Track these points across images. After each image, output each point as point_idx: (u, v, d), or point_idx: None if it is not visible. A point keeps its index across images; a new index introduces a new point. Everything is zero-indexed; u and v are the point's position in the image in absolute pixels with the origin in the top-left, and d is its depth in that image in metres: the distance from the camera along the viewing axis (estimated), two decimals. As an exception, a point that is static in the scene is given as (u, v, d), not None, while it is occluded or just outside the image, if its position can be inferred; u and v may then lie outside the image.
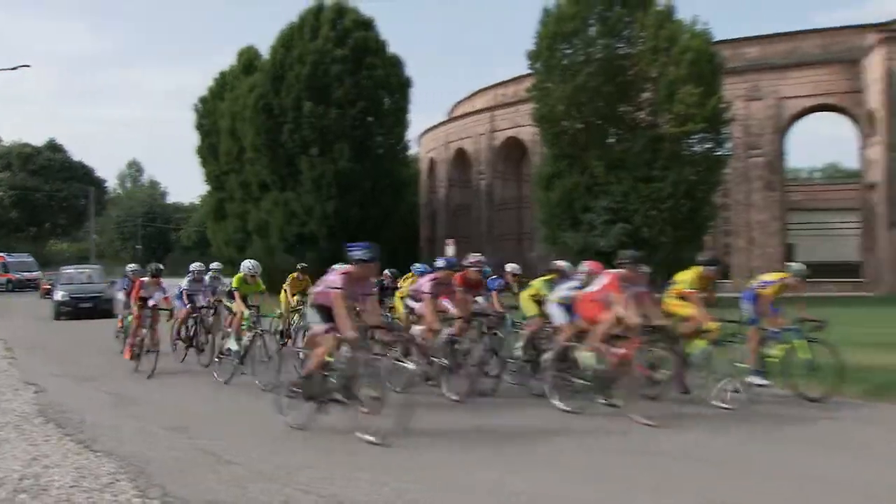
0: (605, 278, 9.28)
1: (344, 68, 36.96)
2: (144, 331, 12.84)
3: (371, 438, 7.39)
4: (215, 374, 11.63)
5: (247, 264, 11.53)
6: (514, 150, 43.26)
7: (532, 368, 10.66)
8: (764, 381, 9.80)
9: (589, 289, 9.51)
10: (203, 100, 47.63)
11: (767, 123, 34.81)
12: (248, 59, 44.83)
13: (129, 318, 13.98)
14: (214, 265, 15.17)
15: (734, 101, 31.05)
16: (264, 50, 41.81)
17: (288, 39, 38.47)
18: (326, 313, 7.96)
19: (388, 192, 38.99)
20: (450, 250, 29.84)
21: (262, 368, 11.08)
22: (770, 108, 34.72)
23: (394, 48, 41.57)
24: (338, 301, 7.75)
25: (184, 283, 14.28)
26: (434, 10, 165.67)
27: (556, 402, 9.16)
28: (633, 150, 27.73)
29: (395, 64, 40.21)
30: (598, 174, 27.84)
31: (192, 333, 13.99)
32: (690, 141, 27.82)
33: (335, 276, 8.01)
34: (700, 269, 9.88)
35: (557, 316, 10.10)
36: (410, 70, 44.08)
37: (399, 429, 7.47)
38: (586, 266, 10.48)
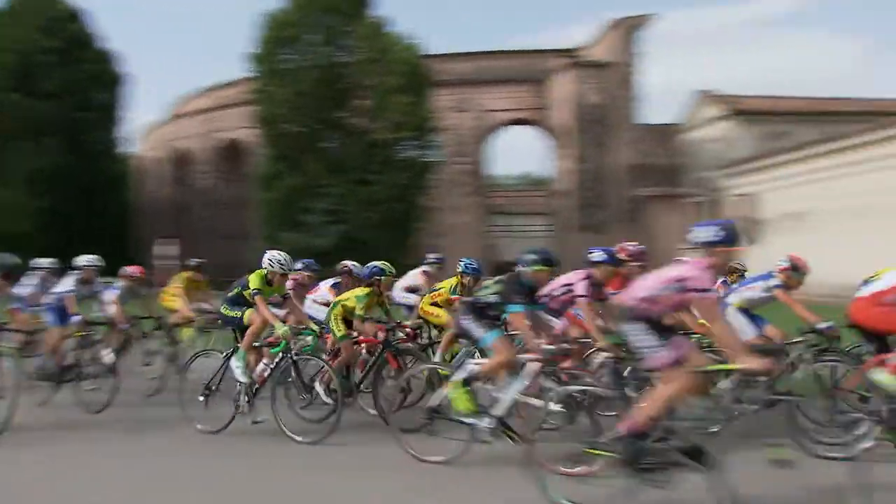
0: None
1: (53, 60, 35.45)
2: None
3: None
4: (199, 427, 7.85)
5: (277, 257, 8.13)
6: (235, 150, 43.36)
7: None
8: None
9: (870, 287, 7.04)
10: None
11: (472, 133, 37.86)
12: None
13: None
14: (92, 258, 10.10)
15: (444, 111, 33.66)
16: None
17: (-9, 27, 36.22)
18: (660, 328, 5.34)
19: (105, 190, 37.88)
20: (172, 249, 29.64)
21: (287, 409, 8.01)
22: (475, 119, 37.80)
23: (124, 44, 40.45)
24: (713, 310, 5.26)
25: (66, 284, 9.77)
26: (167, 10, 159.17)
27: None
28: (349, 154, 29.27)
29: (108, 59, 39.15)
30: (317, 176, 29.06)
31: (76, 362, 9.40)
32: (402, 147, 29.90)
33: (693, 269, 5.20)
34: None
35: (743, 326, 7.77)
36: (144, 67, 42.92)
37: None
38: (791, 260, 7.83)
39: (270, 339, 7.99)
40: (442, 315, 9.47)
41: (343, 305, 8.64)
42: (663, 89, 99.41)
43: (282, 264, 8.03)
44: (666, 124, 38.52)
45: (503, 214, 40.49)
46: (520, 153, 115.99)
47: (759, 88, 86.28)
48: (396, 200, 28.89)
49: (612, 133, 35.18)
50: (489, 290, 6.99)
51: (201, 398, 8.07)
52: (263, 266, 8.05)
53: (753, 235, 29.40)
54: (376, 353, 8.34)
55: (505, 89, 37.76)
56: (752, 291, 7.90)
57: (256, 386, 7.88)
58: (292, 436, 7.36)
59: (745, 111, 35.19)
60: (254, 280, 8.01)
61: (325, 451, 7.02)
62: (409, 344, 8.70)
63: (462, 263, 9.75)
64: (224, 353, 8.19)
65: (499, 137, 40.57)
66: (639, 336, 5.26)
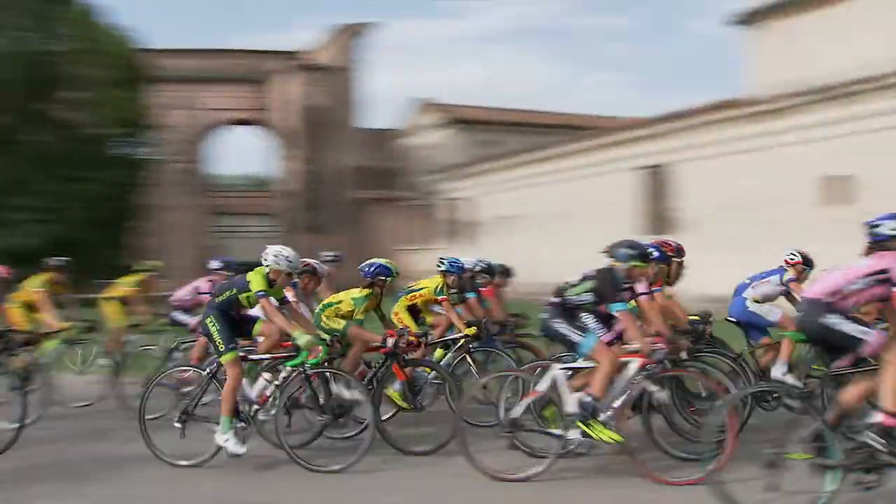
0: None
1: None
2: None
3: None
4: (182, 463, 6.66)
5: (284, 253, 6.76)
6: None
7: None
8: None
9: None
10: None
11: (193, 132, 36.96)
12: None
13: None
14: None
15: (163, 108, 32.54)
16: None
17: None
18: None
19: None
20: None
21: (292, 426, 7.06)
22: (196, 117, 36.92)
23: None
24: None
25: None
26: None
27: None
28: (59, 149, 27.55)
29: None
30: (23, 172, 27.09)
31: None
32: (117, 143, 28.67)
33: (893, 262, 4.96)
34: None
35: (766, 317, 8.03)
36: None
37: None
38: (802, 254, 8.10)
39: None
40: (412, 328, 8.32)
41: (335, 308, 7.66)
42: (388, 95, 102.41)
43: (289, 261, 6.71)
44: (387, 129, 39.87)
45: (228, 214, 39.83)
46: (245, 153, 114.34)
47: (476, 99, 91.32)
48: (111, 198, 27.59)
49: (335, 136, 35.82)
50: (579, 288, 6.42)
51: (178, 425, 6.78)
52: (265, 262, 6.72)
53: (468, 237, 31.21)
54: (379, 364, 7.47)
55: (227, 88, 37.20)
56: (767, 286, 8.01)
57: (256, 407, 6.76)
58: (307, 464, 6.40)
59: (462, 120, 37.36)
60: (255, 280, 6.66)
61: (332, 478, 6.28)
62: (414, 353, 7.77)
63: (445, 262, 8.80)
64: (206, 371, 6.97)
65: (223, 137, 40.05)
66: (845, 325, 4.90)
